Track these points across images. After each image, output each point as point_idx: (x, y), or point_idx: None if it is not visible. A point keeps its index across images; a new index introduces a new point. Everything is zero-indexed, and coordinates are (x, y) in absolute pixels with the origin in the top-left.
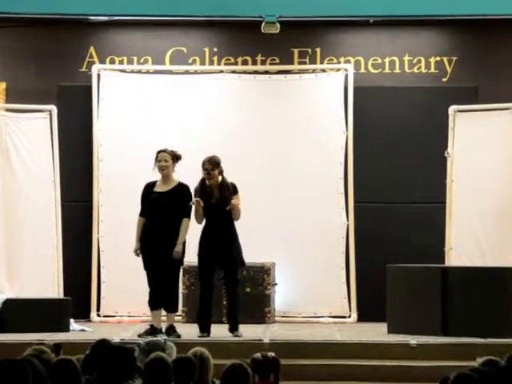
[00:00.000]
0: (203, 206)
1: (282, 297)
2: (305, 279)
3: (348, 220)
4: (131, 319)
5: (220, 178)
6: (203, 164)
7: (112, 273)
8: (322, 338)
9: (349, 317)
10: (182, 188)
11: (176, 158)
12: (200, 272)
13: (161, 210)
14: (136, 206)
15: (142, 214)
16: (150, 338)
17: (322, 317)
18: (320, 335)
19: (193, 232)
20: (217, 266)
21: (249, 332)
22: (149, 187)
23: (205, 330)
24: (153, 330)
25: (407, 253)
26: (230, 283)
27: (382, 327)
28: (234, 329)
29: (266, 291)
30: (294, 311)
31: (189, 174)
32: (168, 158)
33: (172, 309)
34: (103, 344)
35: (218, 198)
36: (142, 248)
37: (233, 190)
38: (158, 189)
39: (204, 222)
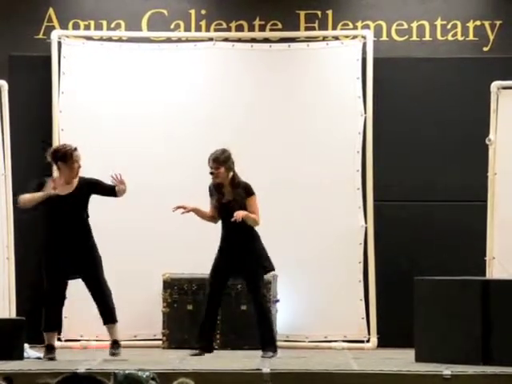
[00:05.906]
0: (216, 205)
1: (284, 317)
2: (313, 295)
3: (366, 222)
4: (100, 344)
5: (231, 174)
6: (208, 161)
7: (76, 287)
8: (334, 368)
9: (367, 341)
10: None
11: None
12: (210, 279)
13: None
14: (104, 205)
15: None
16: (128, 370)
17: (335, 341)
18: (332, 364)
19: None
20: (232, 273)
21: (245, 360)
22: None
23: (204, 346)
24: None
25: (439, 263)
26: (253, 294)
27: (409, 354)
28: (265, 348)
29: None
30: (299, 334)
31: (174, 165)
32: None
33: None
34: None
35: (230, 198)
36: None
37: (246, 191)
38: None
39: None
